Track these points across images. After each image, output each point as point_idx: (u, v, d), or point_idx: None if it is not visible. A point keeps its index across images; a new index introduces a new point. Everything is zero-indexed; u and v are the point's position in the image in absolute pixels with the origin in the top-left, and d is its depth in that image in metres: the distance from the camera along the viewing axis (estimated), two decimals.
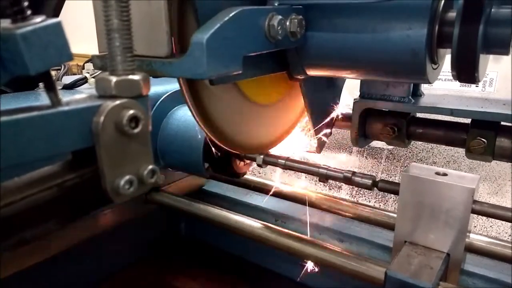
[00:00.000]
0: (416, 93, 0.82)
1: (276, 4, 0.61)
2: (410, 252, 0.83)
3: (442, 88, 1.23)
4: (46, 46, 0.34)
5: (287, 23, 0.59)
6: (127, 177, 0.40)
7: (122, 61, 0.39)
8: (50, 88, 0.36)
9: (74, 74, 1.67)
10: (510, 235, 1.28)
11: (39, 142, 0.34)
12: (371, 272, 0.89)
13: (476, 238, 0.93)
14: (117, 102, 0.38)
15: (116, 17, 0.38)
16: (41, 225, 0.35)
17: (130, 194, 0.40)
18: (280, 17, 0.56)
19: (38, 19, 0.34)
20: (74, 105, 0.36)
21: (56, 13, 1.17)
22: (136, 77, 0.40)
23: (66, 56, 0.36)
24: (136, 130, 0.39)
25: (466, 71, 0.60)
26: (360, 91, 0.83)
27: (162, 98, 1.21)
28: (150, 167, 0.42)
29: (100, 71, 0.80)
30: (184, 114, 1.20)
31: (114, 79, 0.39)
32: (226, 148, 0.75)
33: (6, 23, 0.34)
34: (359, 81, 0.82)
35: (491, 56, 0.65)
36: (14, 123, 0.32)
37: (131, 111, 0.39)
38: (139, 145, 0.40)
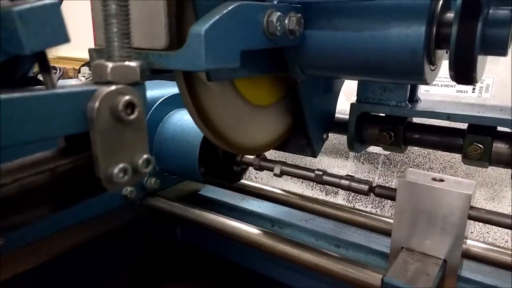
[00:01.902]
0: (413, 98, 0.82)
1: (275, 2, 0.61)
2: (406, 258, 0.82)
3: (439, 94, 1.24)
4: (43, 25, 0.34)
5: (286, 21, 0.59)
6: (121, 165, 0.39)
7: (119, 47, 0.39)
8: (45, 70, 0.35)
9: (71, 77, 1.66)
10: (506, 241, 1.28)
11: (32, 124, 0.33)
12: (367, 279, 0.88)
13: (473, 244, 0.93)
14: (113, 87, 0.37)
15: (114, 2, 0.38)
16: (31, 210, 0.34)
17: (124, 183, 0.39)
18: (279, 13, 0.56)
19: None
20: (69, 89, 0.35)
21: None
22: (133, 63, 0.40)
23: (62, 36, 0.35)
24: (131, 117, 0.39)
25: (464, 72, 0.60)
26: (357, 95, 0.83)
27: (158, 102, 1.21)
28: (145, 156, 0.41)
29: None
30: (180, 119, 1.19)
31: (110, 65, 0.39)
32: (222, 147, 0.74)
33: (5, 2, 0.33)
34: (356, 85, 0.82)
35: (488, 62, 0.66)
36: (6, 102, 0.31)
37: (127, 97, 0.38)
38: (134, 132, 0.40)
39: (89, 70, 1.13)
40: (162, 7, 0.50)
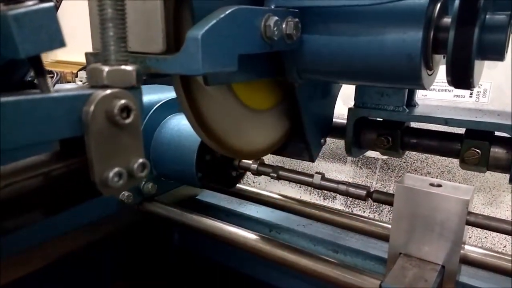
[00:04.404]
0: (410, 103, 0.83)
1: (272, 7, 0.61)
2: (404, 264, 0.81)
3: (436, 99, 1.24)
4: (38, 30, 0.34)
5: (283, 25, 0.59)
6: (117, 169, 0.39)
7: (116, 51, 0.39)
8: (40, 74, 0.35)
9: (69, 81, 1.66)
10: (505, 246, 1.28)
11: (27, 128, 0.33)
12: (365, 285, 0.87)
13: (471, 250, 0.93)
14: (108, 91, 0.37)
15: (110, 6, 0.38)
16: (24, 215, 0.34)
17: (119, 187, 0.39)
18: (276, 18, 0.56)
19: (31, 2, 0.34)
20: (64, 93, 0.35)
21: None
22: (129, 67, 0.40)
23: (57, 41, 0.35)
24: (127, 121, 0.38)
25: (461, 77, 0.60)
26: (354, 100, 0.83)
27: (155, 107, 1.20)
28: (141, 160, 0.41)
29: None
30: (177, 123, 1.19)
31: (106, 68, 0.38)
32: (219, 151, 0.74)
33: None
34: (353, 90, 0.82)
35: (485, 68, 0.66)
36: (0, 106, 0.31)
37: (123, 101, 0.38)
38: (130, 137, 0.39)
39: (86, 64, 1.13)
40: (159, 11, 0.50)
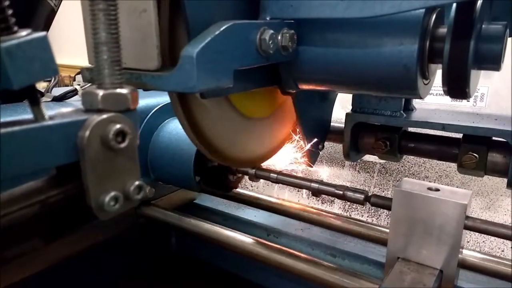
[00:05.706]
0: (408, 108, 0.83)
1: (268, 19, 0.60)
2: (403, 268, 0.82)
3: (434, 103, 1.24)
4: (31, 60, 0.33)
5: (279, 37, 0.58)
6: (113, 193, 0.39)
7: (110, 74, 0.39)
8: (34, 103, 0.35)
9: (67, 85, 1.65)
10: (503, 251, 1.28)
11: (22, 158, 0.33)
12: None
13: (469, 254, 0.93)
14: (103, 116, 0.37)
15: (104, 30, 0.37)
16: (23, 243, 0.34)
17: (115, 211, 0.39)
18: (271, 31, 0.56)
19: (24, 32, 0.33)
20: (59, 120, 0.35)
21: (48, 25, 1.16)
22: (123, 90, 0.39)
23: (51, 70, 0.35)
24: (122, 145, 0.38)
25: (457, 87, 0.60)
26: (352, 105, 0.83)
27: (153, 111, 1.20)
28: (137, 183, 0.41)
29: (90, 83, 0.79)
30: (175, 127, 1.19)
31: (101, 92, 0.38)
32: (218, 161, 0.74)
33: None
34: (351, 94, 0.82)
35: (482, 72, 0.66)
36: None
37: (118, 126, 0.38)
38: (125, 160, 0.39)
39: (82, 80, 1.12)
40: (154, 29, 0.50)
